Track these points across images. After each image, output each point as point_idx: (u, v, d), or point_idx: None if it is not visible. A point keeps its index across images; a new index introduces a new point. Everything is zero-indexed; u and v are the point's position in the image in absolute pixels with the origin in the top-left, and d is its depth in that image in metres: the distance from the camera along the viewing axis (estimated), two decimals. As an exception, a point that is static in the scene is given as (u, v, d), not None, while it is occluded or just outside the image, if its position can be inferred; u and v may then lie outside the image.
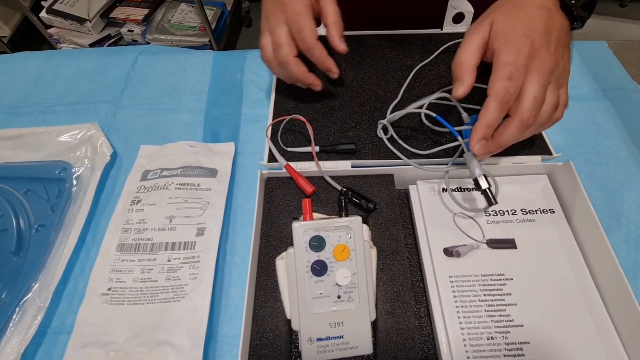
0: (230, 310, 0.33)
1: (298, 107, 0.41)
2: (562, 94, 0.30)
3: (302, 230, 0.29)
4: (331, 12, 0.35)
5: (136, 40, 1.61)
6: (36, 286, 0.34)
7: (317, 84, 0.38)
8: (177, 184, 0.38)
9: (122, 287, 0.33)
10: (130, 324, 0.31)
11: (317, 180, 0.35)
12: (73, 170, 0.41)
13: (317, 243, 0.29)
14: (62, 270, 0.35)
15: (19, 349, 0.31)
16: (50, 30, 1.63)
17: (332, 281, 0.29)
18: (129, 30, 1.60)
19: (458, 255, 0.32)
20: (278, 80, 0.43)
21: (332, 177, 0.35)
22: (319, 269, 0.29)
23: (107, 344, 0.30)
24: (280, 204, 0.34)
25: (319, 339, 0.28)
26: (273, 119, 0.39)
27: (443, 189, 0.35)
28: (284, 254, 0.30)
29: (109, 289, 0.33)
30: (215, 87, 0.49)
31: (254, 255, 0.31)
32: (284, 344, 0.28)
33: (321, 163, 0.35)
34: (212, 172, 0.39)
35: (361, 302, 0.28)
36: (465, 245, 0.32)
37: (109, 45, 1.62)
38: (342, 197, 0.32)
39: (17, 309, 0.33)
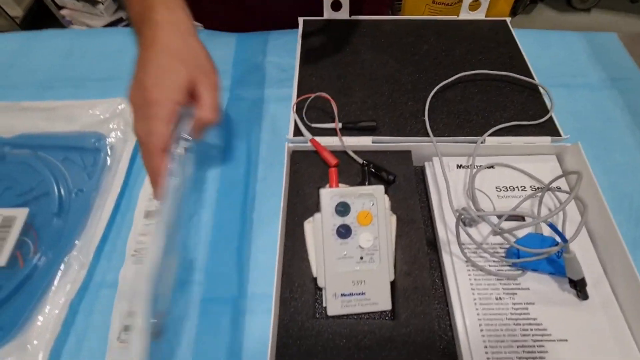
0: (258, 271, 0.36)
1: (321, 86, 0.43)
2: None
3: (329, 196, 0.31)
4: (204, 102, 0.32)
5: (147, 24, 1.62)
6: (79, 244, 0.37)
7: (157, 194, 0.31)
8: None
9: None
10: None
11: (339, 154, 0.38)
12: (107, 141, 0.43)
13: (343, 208, 0.31)
14: (101, 231, 0.37)
15: (66, 299, 0.34)
16: (62, 12, 1.64)
17: (356, 244, 0.31)
18: (140, 14, 1.60)
19: (470, 225, 0.34)
20: (301, 61, 0.45)
21: (354, 152, 0.37)
22: (344, 232, 0.31)
23: None
24: (305, 175, 0.36)
25: (342, 295, 0.30)
26: (298, 96, 0.41)
27: (457, 165, 0.37)
28: (310, 218, 0.33)
29: (135, 251, 0.36)
30: (239, 67, 0.51)
31: (282, 220, 0.33)
32: (311, 298, 0.31)
33: (344, 138, 0.37)
34: None
35: (382, 263, 0.31)
36: (478, 215, 0.34)
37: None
38: (366, 168, 0.34)
39: (62, 265, 0.36)
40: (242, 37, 0.54)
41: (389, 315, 0.31)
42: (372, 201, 0.32)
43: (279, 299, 0.29)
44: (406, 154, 0.38)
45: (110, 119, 0.45)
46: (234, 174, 0.42)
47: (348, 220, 0.31)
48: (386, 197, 0.34)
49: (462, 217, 0.33)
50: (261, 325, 0.33)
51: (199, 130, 0.33)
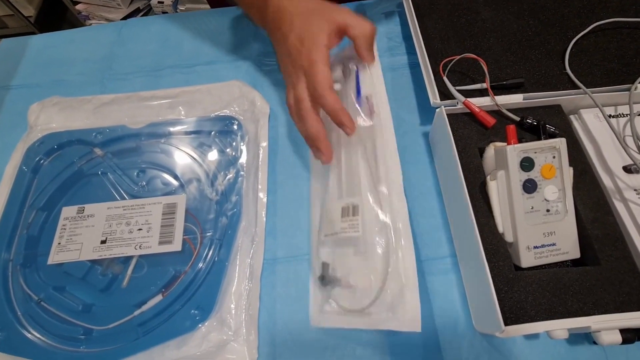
0: (425, 236, 0.37)
1: (448, 49, 0.43)
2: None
3: (514, 152, 0.32)
4: (357, 24, 0.34)
5: (167, 12, 1.58)
6: (244, 224, 0.38)
7: (325, 154, 0.34)
8: None
9: None
10: None
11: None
12: (239, 123, 0.43)
13: (528, 163, 0.32)
14: (264, 209, 0.38)
15: (251, 273, 0.35)
16: (78, 7, 1.60)
17: (541, 197, 0.32)
18: (159, 2, 1.57)
19: (637, 171, 0.35)
20: (419, 27, 0.44)
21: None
22: (530, 186, 0.32)
23: None
24: (462, 138, 0.37)
25: (535, 247, 0.31)
26: (434, 61, 0.41)
27: (609, 115, 0.37)
28: (489, 176, 0.33)
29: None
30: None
31: (460, 183, 0.33)
32: (505, 252, 0.32)
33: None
34: None
35: (568, 213, 0.32)
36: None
37: (140, 18, 1.60)
38: (542, 123, 0.34)
39: (235, 245, 0.36)
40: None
41: (581, 263, 0.32)
42: (553, 154, 0.32)
43: (484, 255, 0.29)
44: (556, 108, 0.38)
45: (232, 102, 0.45)
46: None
47: (532, 174, 0.32)
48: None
49: (630, 166, 0.34)
50: (444, 285, 0.35)
51: (366, 48, 0.35)
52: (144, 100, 0.46)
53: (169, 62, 0.50)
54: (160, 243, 0.36)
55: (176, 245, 0.36)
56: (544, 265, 0.32)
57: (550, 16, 0.44)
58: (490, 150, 0.35)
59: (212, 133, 0.43)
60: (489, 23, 0.45)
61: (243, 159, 0.41)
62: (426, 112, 0.44)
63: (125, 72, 0.50)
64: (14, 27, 1.67)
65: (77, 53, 0.52)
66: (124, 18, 1.58)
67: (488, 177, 0.33)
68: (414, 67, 0.47)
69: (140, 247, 0.36)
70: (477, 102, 0.38)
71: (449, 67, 0.39)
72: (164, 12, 1.59)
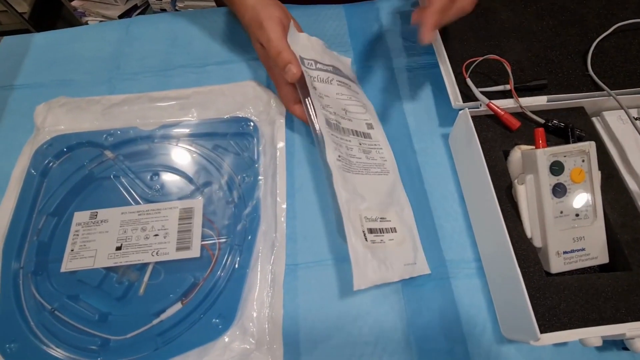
0: (448, 239, 0.36)
1: (468, 50, 0.42)
2: None
3: (544, 156, 0.31)
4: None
5: (165, 9, 1.56)
6: (263, 228, 0.37)
7: (296, 72, 0.36)
8: (337, 81, 0.41)
9: (344, 158, 0.36)
10: (362, 188, 0.36)
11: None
12: (254, 125, 0.42)
13: (557, 167, 0.31)
14: (284, 214, 0.37)
15: (272, 279, 0.34)
16: (74, 3, 1.57)
17: (571, 201, 0.31)
18: (157, -1, 1.54)
19: (664, 174, 0.34)
20: (441, 30, 0.43)
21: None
22: (560, 190, 0.31)
23: (359, 202, 0.35)
24: (486, 140, 0.36)
25: (565, 252, 0.31)
26: (453, 62, 0.40)
27: (635, 117, 0.37)
28: (516, 179, 0.33)
29: (339, 156, 0.35)
30: (357, 39, 0.50)
31: (487, 186, 0.33)
32: (534, 257, 0.31)
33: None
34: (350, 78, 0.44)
35: (598, 218, 0.31)
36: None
37: (137, 15, 1.57)
38: (571, 126, 0.34)
39: (255, 250, 0.36)
40: (350, 7, 0.52)
41: (609, 268, 0.31)
42: (582, 158, 0.32)
43: (516, 261, 0.29)
44: (579, 110, 0.37)
45: (246, 103, 0.44)
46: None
47: (562, 178, 0.31)
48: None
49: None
50: (469, 290, 0.34)
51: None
52: (155, 100, 0.44)
53: (179, 61, 0.49)
54: (178, 249, 0.35)
55: (194, 252, 0.35)
56: (573, 270, 0.31)
57: (569, 17, 0.44)
58: (516, 154, 0.34)
59: (227, 135, 0.42)
60: (508, 23, 0.44)
61: (260, 162, 0.40)
62: (444, 113, 0.44)
63: (134, 72, 0.48)
64: (7, 23, 1.63)
65: (83, 52, 0.50)
66: (122, 15, 1.55)
67: (516, 181, 0.33)
68: (431, 67, 0.47)
69: (157, 253, 0.35)
70: (500, 104, 0.37)
71: (471, 68, 0.39)
72: (162, 10, 1.56)
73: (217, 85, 0.45)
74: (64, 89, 0.46)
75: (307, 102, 0.37)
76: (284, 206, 0.38)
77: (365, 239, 0.33)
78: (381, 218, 0.35)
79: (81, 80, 0.48)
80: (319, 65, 0.40)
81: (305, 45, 0.41)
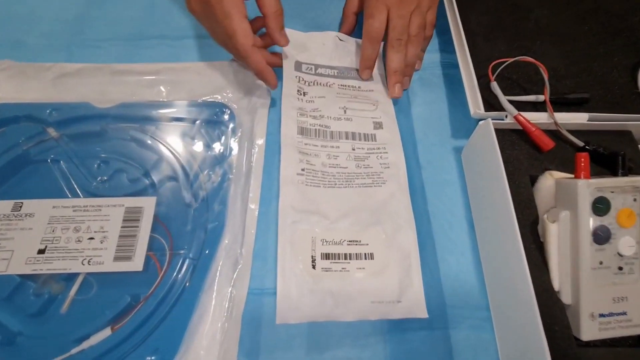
0: (451, 278, 0.30)
1: (495, 52, 0.35)
2: (429, 15, 0.35)
3: (587, 190, 0.24)
4: (269, 1, 0.31)
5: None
6: (227, 240, 0.30)
7: (272, 82, 0.34)
8: (339, 85, 0.37)
9: (314, 170, 0.32)
10: (333, 204, 0.31)
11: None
12: (231, 113, 0.35)
13: (602, 205, 0.25)
14: (254, 224, 0.30)
15: (232, 309, 0.27)
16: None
17: (614, 250, 0.25)
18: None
19: None
20: (463, 25, 0.36)
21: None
22: (602, 235, 0.24)
23: (315, 222, 0.30)
24: (508, 161, 0.29)
25: (601, 315, 0.24)
26: (476, 62, 0.33)
27: (690, 149, 0.30)
28: (546, 214, 0.26)
29: (303, 170, 0.32)
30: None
31: (510, 218, 0.26)
32: (564, 318, 0.24)
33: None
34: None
35: (645, 274, 0.25)
36: None
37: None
38: (621, 155, 0.27)
39: (213, 267, 0.29)
40: None
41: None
42: (634, 196, 0.25)
43: (541, 324, 0.22)
44: (626, 135, 0.31)
45: (225, 86, 0.37)
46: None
47: (606, 220, 0.25)
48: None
49: None
50: (473, 348, 0.27)
51: (278, 31, 0.33)
52: (118, 74, 0.37)
53: (154, 31, 0.41)
54: (116, 259, 0.28)
55: (137, 264, 0.28)
56: (608, 339, 0.25)
57: (616, 24, 0.37)
58: (547, 181, 0.28)
59: (197, 122, 0.35)
60: (542, 24, 0.38)
61: (233, 158, 0.33)
62: (459, 122, 0.37)
63: (99, 39, 0.41)
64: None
65: (42, 11, 0.42)
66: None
67: (545, 216, 0.26)
68: (448, 67, 0.40)
69: (89, 262, 0.28)
70: (530, 118, 0.30)
71: (497, 71, 0.32)
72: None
73: (194, 63, 0.38)
74: (12, 52, 0.39)
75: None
76: (256, 214, 0.31)
77: (313, 265, 0.27)
78: (351, 241, 0.29)
79: (34, 44, 0.40)
80: (319, 70, 0.38)
81: (307, 47, 0.38)
